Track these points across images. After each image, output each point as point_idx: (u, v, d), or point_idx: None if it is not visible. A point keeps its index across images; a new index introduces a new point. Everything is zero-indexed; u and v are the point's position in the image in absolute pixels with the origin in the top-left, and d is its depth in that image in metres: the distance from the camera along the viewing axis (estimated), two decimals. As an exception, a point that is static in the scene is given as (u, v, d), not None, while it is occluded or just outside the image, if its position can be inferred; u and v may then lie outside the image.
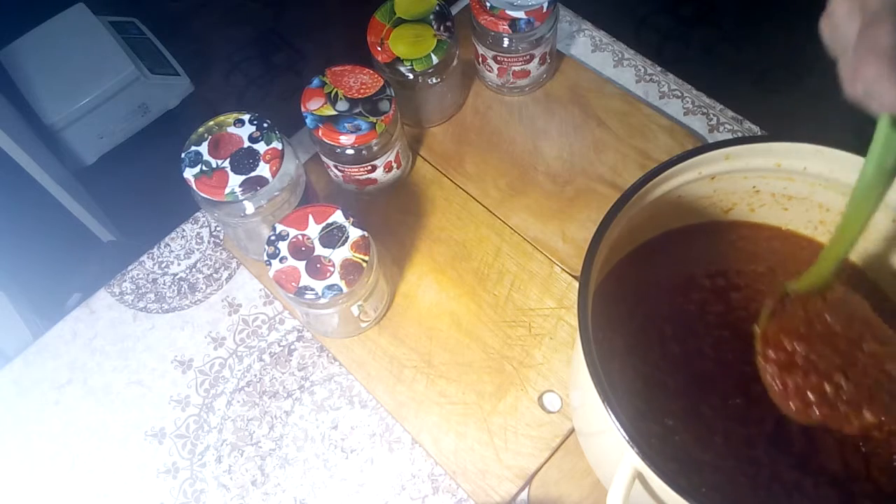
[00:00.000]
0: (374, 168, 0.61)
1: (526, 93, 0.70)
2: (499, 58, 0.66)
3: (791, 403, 0.39)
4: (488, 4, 0.62)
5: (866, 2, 0.28)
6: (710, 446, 0.43)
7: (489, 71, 0.68)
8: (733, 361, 0.47)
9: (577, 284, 0.51)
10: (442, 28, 0.62)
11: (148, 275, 0.66)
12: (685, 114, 0.69)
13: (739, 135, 0.67)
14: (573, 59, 0.72)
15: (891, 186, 0.33)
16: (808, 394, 0.39)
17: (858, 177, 0.34)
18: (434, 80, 0.64)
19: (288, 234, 0.53)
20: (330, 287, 0.51)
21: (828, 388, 0.38)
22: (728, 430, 0.44)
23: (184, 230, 0.68)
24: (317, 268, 0.52)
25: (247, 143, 0.55)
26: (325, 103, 0.58)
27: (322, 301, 0.51)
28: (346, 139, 0.57)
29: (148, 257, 0.67)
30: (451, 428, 0.56)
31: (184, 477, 0.57)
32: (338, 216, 0.53)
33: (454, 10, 0.75)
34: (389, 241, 0.64)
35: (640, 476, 0.36)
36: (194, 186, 0.54)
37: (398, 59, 0.62)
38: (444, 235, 0.64)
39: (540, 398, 0.56)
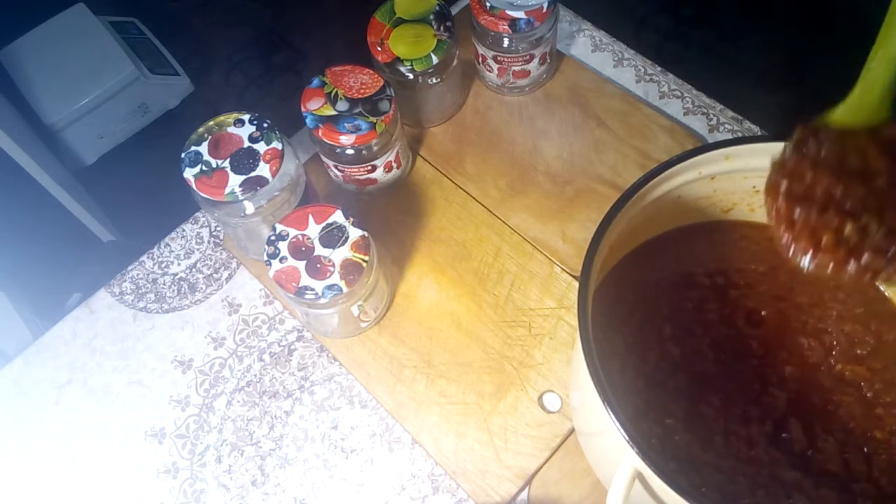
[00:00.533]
0: (374, 168, 0.61)
1: (526, 93, 0.70)
2: (499, 58, 0.66)
3: (790, 241, 0.32)
4: (488, 4, 0.62)
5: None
6: (710, 446, 0.43)
7: (489, 71, 0.68)
8: (733, 361, 0.47)
9: (577, 284, 0.51)
10: (442, 28, 0.62)
11: (148, 275, 0.66)
12: (685, 114, 0.69)
13: (739, 135, 0.67)
14: (573, 59, 0.72)
15: None
16: (820, 233, 0.31)
17: None
18: (434, 80, 0.64)
19: (288, 234, 0.53)
20: (330, 287, 0.51)
21: (850, 229, 0.31)
22: (728, 430, 0.44)
23: (184, 230, 0.68)
24: (317, 268, 0.52)
25: (247, 143, 0.55)
26: (325, 103, 0.58)
27: (322, 301, 0.51)
28: (346, 139, 0.57)
29: (148, 257, 0.67)
30: (451, 428, 0.56)
31: (184, 477, 0.57)
32: (338, 216, 0.53)
33: (454, 10, 0.75)
34: (389, 241, 0.64)
35: (640, 476, 0.36)
36: (194, 186, 0.54)
37: (398, 59, 0.62)
38: (444, 235, 0.64)
39: (540, 398, 0.56)
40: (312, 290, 0.51)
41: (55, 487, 0.58)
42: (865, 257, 0.31)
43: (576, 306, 0.42)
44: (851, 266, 0.31)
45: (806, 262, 0.32)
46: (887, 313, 0.47)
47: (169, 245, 0.67)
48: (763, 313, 0.48)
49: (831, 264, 0.32)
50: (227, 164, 0.54)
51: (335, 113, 0.58)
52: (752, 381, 0.46)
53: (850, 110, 0.33)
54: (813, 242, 0.32)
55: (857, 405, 0.45)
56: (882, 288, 0.48)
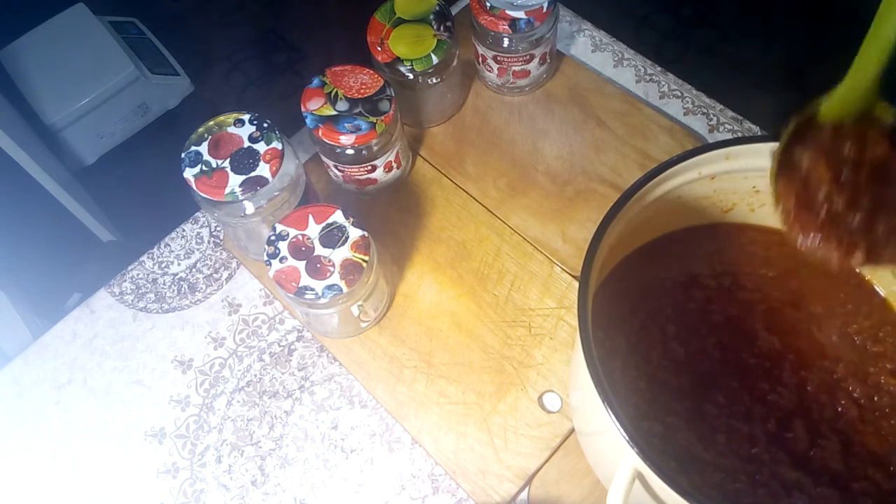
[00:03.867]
0: (374, 168, 0.61)
1: (526, 93, 0.70)
2: (499, 58, 0.66)
3: (795, 214, 0.34)
4: (488, 4, 0.62)
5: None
6: (711, 445, 0.43)
7: (489, 71, 0.68)
8: (736, 360, 0.47)
9: (577, 284, 0.51)
10: (442, 28, 0.62)
11: (148, 275, 0.66)
12: (685, 114, 0.69)
13: (739, 135, 0.67)
14: (573, 59, 0.72)
15: None
16: (819, 208, 0.34)
17: None
18: (434, 80, 0.64)
19: (288, 234, 0.53)
20: (330, 287, 0.51)
21: (839, 205, 0.33)
22: (730, 429, 0.44)
23: (184, 230, 0.68)
24: (317, 268, 0.52)
25: (247, 143, 0.55)
26: (325, 103, 0.58)
27: (322, 301, 0.51)
28: (346, 139, 0.57)
29: (148, 257, 0.67)
30: (451, 428, 0.56)
31: (184, 477, 0.57)
32: (338, 216, 0.53)
33: (454, 10, 0.75)
34: (389, 241, 0.64)
35: (640, 476, 0.36)
36: (194, 186, 0.54)
37: (398, 59, 0.62)
38: (444, 235, 0.64)
39: (540, 398, 0.56)
40: (312, 290, 0.51)
41: (55, 487, 0.58)
42: (837, 237, 0.34)
43: (576, 306, 0.42)
44: (857, 257, 0.34)
45: (811, 243, 0.35)
46: (893, 318, 0.47)
47: (169, 245, 0.67)
48: (769, 315, 0.48)
49: (837, 251, 0.34)
50: (227, 164, 0.54)
51: (335, 113, 0.58)
52: (758, 381, 0.46)
53: (843, 99, 0.34)
54: (822, 233, 0.34)
55: (861, 406, 0.45)
56: (882, 294, 0.48)
